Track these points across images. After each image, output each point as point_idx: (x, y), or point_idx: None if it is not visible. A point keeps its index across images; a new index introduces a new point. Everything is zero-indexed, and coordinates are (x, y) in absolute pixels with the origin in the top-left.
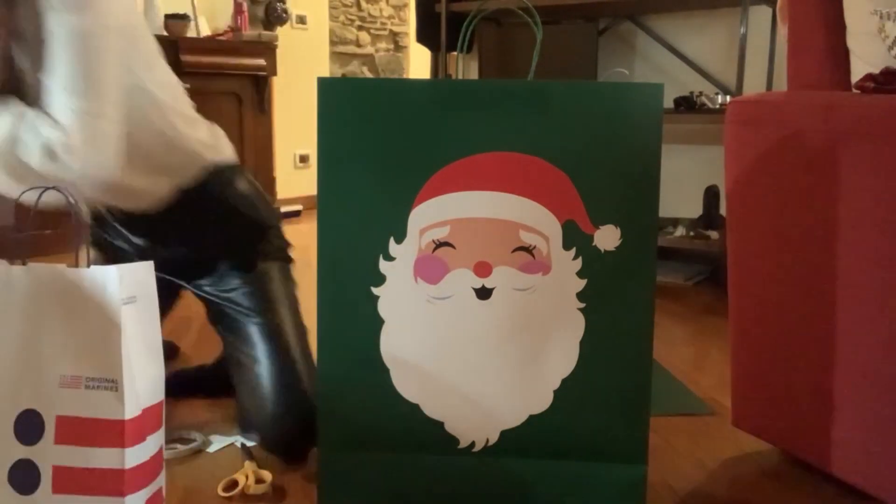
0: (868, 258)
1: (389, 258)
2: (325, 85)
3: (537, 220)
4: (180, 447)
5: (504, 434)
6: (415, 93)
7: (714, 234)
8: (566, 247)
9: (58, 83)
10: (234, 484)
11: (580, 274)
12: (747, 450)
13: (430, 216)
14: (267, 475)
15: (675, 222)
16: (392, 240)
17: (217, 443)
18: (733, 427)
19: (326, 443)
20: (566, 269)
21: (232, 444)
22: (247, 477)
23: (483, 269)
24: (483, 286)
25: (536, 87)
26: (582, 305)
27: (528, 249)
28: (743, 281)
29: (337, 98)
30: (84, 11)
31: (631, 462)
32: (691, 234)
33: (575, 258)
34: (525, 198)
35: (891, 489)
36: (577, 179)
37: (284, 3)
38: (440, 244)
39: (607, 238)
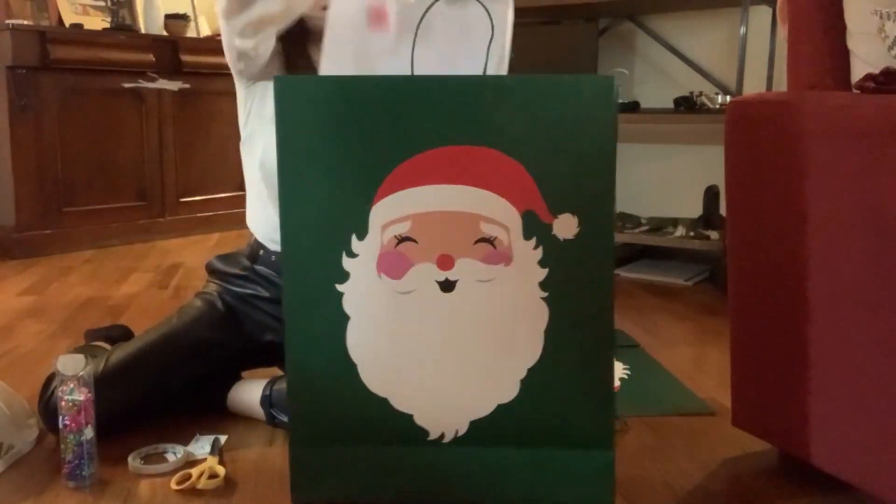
0: (867, 258)
1: (352, 255)
2: (282, 83)
3: (497, 212)
4: (145, 464)
5: (473, 424)
6: (372, 89)
7: (714, 234)
8: (526, 236)
9: None
10: (189, 477)
11: (541, 263)
12: (747, 450)
13: (391, 211)
14: (221, 470)
15: (675, 222)
16: (354, 236)
17: (201, 448)
18: (733, 427)
19: (297, 438)
20: (528, 259)
21: (216, 438)
22: (201, 472)
23: (445, 262)
24: (446, 279)
25: (491, 82)
26: (545, 294)
27: (489, 241)
28: (743, 281)
29: (295, 96)
30: None
31: (598, 447)
32: (691, 234)
33: (536, 248)
34: (484, 189)
35: (891, 489)
36: (533, 170)
37: None
38: (402, 239)
39: (566, 227)
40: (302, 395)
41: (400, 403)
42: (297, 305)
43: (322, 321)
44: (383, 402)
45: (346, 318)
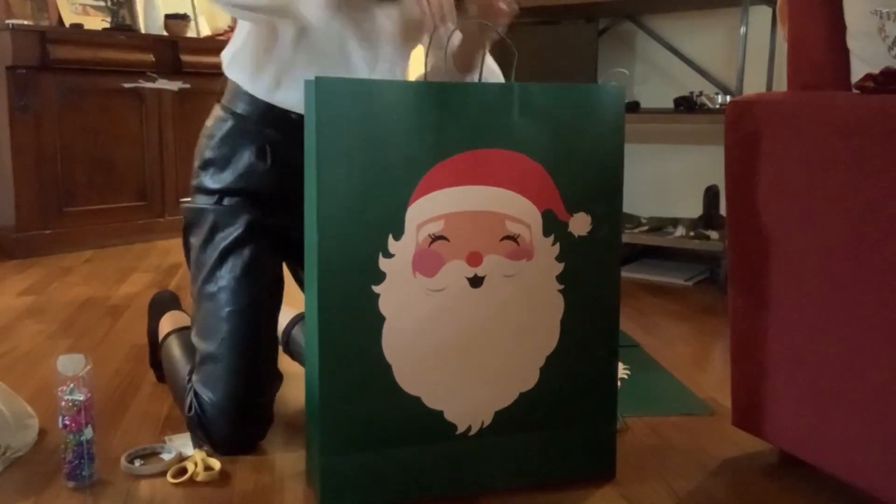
0: (868, 257)
1: (389, 255)
2: (322, 84)
3: (520, 211)
4: (139, 463)
5: (497, 414)
6: (408, 94)
7: (714, 234)
8: (546, 233)
9: None
10: (184, 471)
11: (558, 258)
12: (747, 450)
13: (426, 211)
14: (216, 463)
15: (675, 222)
16: (391, 237)
17: (183, 445)
18: (733, 427)
19: (327, 446)
20: (546, 255)
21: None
22: (195, 464)
23: (475, 259)
24: (475, 275)
25: (516, 89)
26: (561, 287)
27: (513, 238)
28: (743, 281)
29: (334, 98)
30: None
31: (602, 422)
32: (691, 234)
33: (554, 244)
34: (509, 190)
35: (890, 489)
36: (553, 172)
37: None
38: (436, 238)
39: (580, 224)
40: (334, 400)
41: (431, 401)
42: (333, 311)
43: (358, 325)
44: (416, 401)
45: (382, 319)
